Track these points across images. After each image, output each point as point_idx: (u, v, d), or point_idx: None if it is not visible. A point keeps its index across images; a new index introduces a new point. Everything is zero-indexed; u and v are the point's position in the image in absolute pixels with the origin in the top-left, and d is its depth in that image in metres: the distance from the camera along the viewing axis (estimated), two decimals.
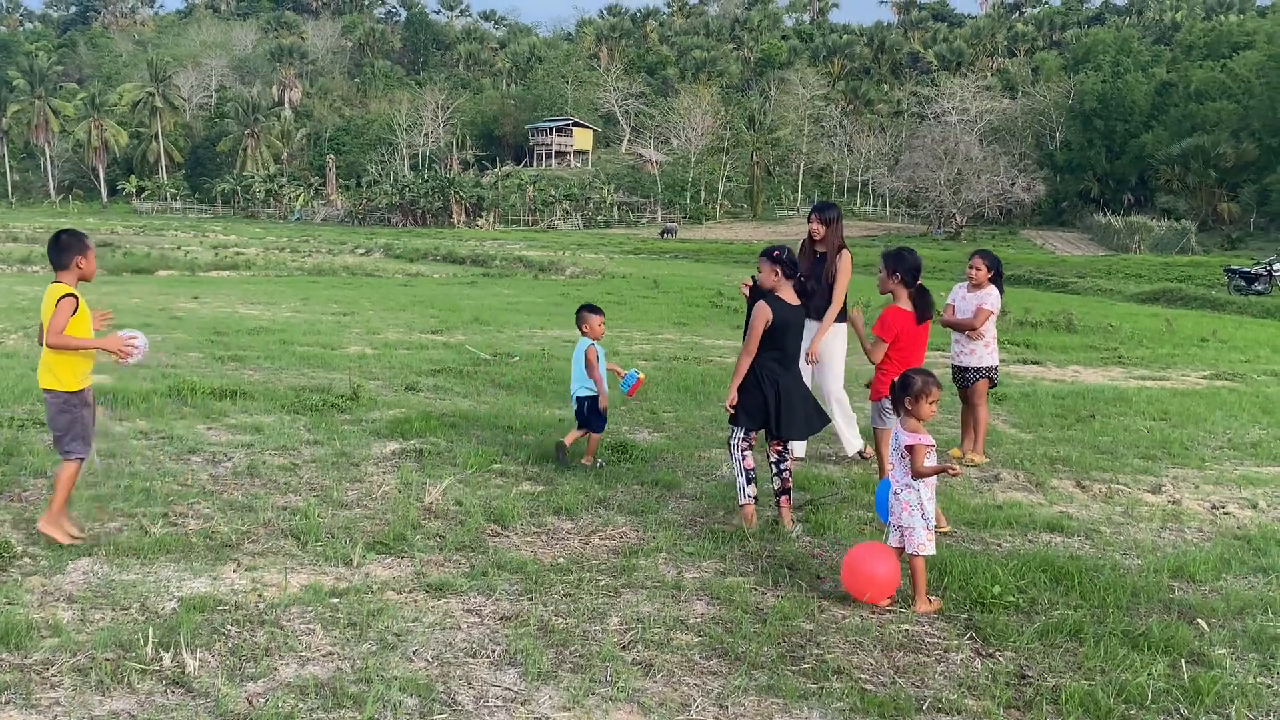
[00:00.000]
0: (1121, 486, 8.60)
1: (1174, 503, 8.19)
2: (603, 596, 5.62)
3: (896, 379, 6.00)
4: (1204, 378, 15.51)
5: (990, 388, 9.80)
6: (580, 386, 8.61)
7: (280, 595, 5.42)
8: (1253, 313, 30.24)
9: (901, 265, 7.38)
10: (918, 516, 5.66)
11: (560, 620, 5.24)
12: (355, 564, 5.93)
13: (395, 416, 9.85)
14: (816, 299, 8.94)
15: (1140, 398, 13.10)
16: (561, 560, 6.18)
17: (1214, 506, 8.14)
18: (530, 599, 5.52)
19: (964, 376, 9.57)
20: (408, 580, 5.74)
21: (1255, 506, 8.17)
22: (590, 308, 8.77)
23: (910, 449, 5.69)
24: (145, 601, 5.28)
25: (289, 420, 9.69)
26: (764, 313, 6.93)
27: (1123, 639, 5.25)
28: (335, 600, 5.39)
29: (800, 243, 9.44)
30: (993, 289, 9.54)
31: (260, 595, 5.42)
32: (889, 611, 5.60)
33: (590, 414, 8.57)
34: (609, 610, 5.41)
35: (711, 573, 6.09)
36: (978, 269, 9.50)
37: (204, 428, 9.28)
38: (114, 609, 5.18)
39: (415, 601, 5.43)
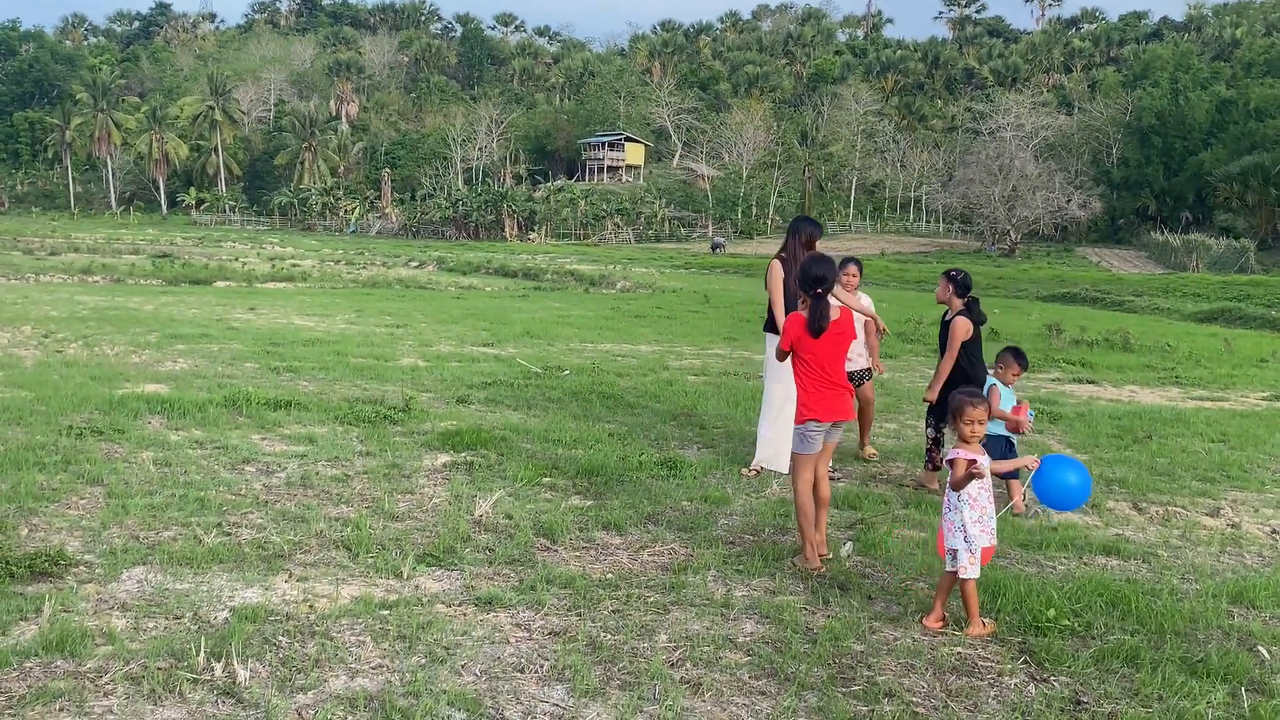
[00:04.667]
0: (1179, 509, 8.46)
1: (1233, 526, 8.04)
2: (651, 613, 5.59)
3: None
4: (1263, 399, 15.24)
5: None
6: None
7: (331, 606, 5.45)
8: None
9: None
10: (960, 538, 5.58)
11: (609, 636, 5.23)
12: (405, 576, 5.95)
13: (447, 429, 9.90)
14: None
15: (1198, 419, 12.90)
16: (610, 576, 6.16)
17: (1274, 531, 7.99)
18: (579, 614, 5.51)
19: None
20: (457, 593, 5.76)
21: None
22: (1015, 351, 8.59)
23: (951, 462, 5.63)
24: (198, 611, 5.33)
25: (342, 431, 9.76)
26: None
27: (1181, 666, 5.16)
28: (385, 612, 5.41)
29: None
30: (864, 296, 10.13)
31: (311, 606, 5.46)
32: (941, 634, 5.53)
33: (998, 457, 8.28)
34: (657, 627, 5.39)
35: (761, 591, 6.05)
36: (851, 275, 9.95)
37: (258, 438, 9.36)
38: (167, 618, 5.23)
39: (464, 615, 5.44)
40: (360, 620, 5.29)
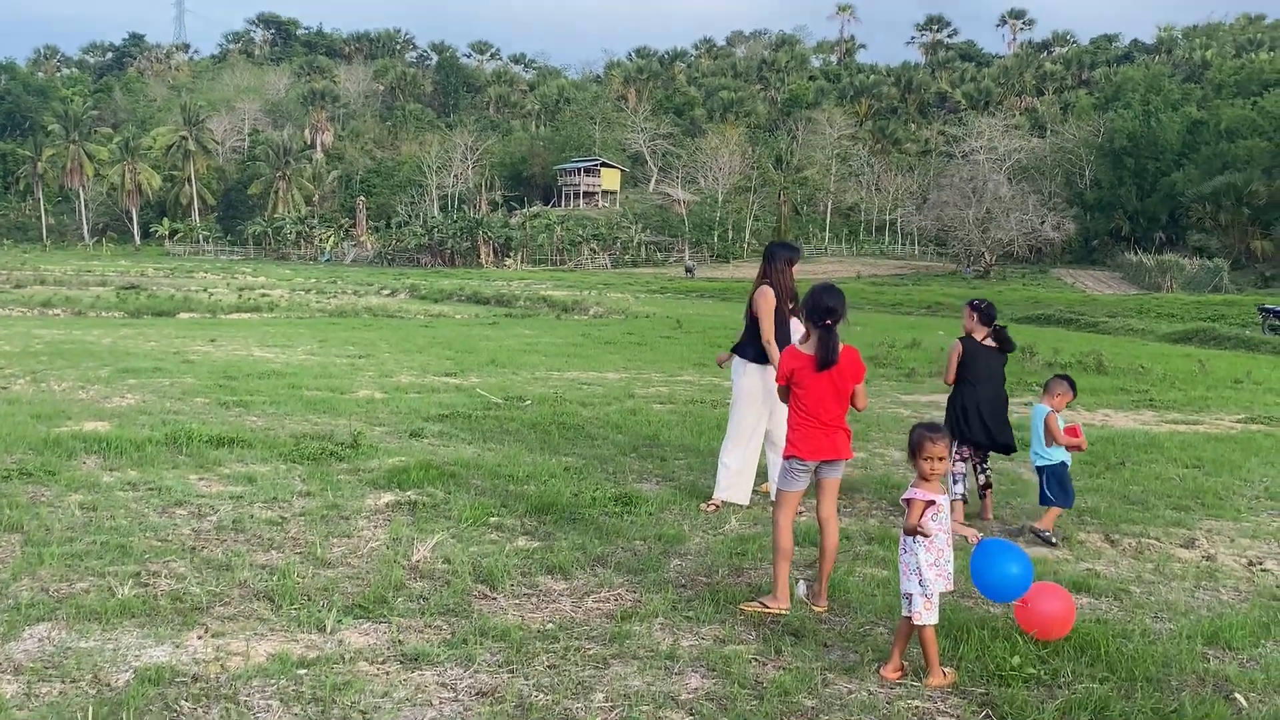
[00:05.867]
0: (1153, 540, 8.15)
1: (1208, 559, 7.74)
2: (590, 668, 5.22)
3: None
4: (1238, 421, 15.01)
5: None
6: (1038, 456, 8.35)
7: (244, 665, 5.07)
8: None
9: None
10: (914, 582, 5.24)
11: (541, 696, 4.85)
12: (329, 630, 5.56)
13: (394, 465, 9.51)
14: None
15: (1172, 443, 12.63)
16: (550, 626, 5.79)
17: (1251, 563, 7.69)
18: (511, 671, 5.14)
19: None
20: (383, 648, 5.37)
21: None
22: (1066, 378, 8.49)
23: (907, 503, 5.30)
24: (98, 672, 4.93)
25: (284, 470, 9.36)
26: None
27: (1152, 716, 4.83)
28: (302, 671, 5.03)
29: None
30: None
31: (223, 665, 5.07)
32: (899, 685, 5.18)
33: (1049, 485, 8.25)
34: (595, 684, 5.02)
35: (710, 640, 5.69)
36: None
37: (196, 478, 8.96)
38: (64, 681, 4.84)
39: (387, 673, 5.06)
40: (273, 681, 4.90)
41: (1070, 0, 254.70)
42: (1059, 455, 8.28)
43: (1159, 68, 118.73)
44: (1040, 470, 8.34)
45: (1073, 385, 8.48)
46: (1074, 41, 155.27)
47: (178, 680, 4.87)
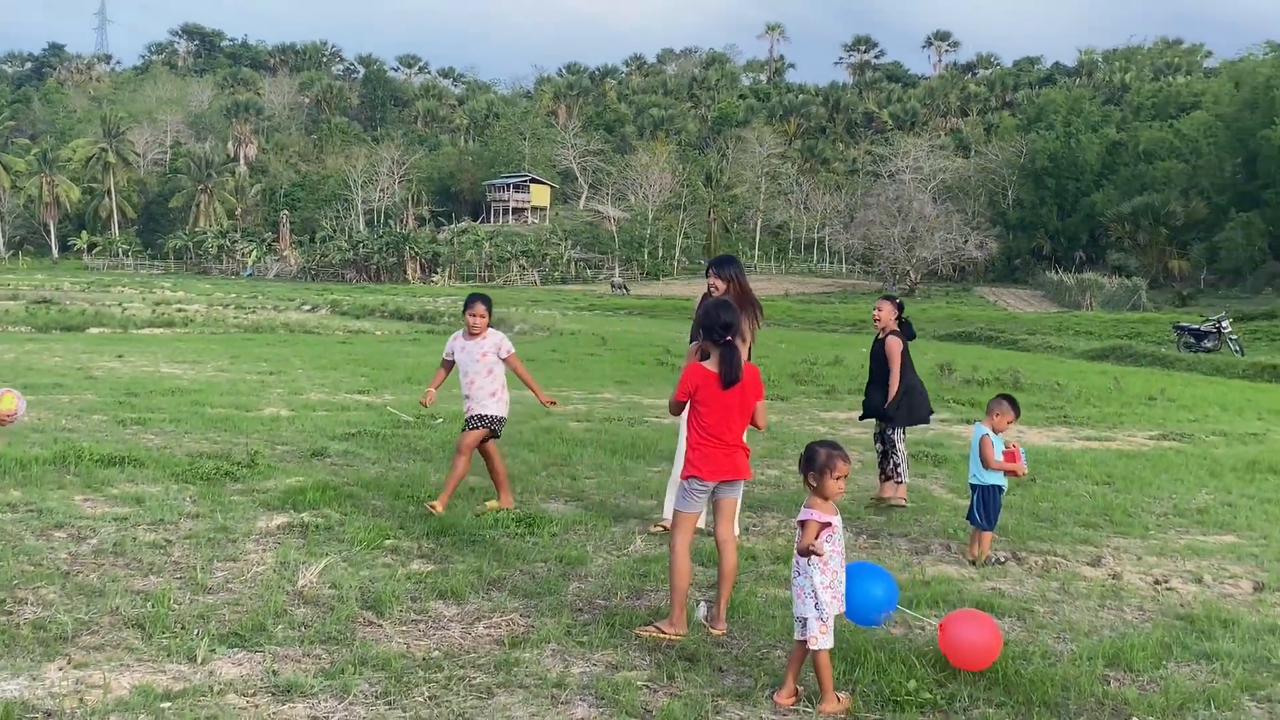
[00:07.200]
0: (1060, 559, 8.11)
1: (1114, 577, 7.70)
2: (473, 698, 5.00)
3: (804, 451, 5.44)
4: (1151, 438, 15.14)
5: (493, 437, 9.06)
6: (974, 475, 8.14)
7: (103, 699, 4.78)
8: (1202, 370, 30.12)
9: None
10: (810, 605, 5.09)
11: None
12: (200, 660, 5.28)
13: (290, 486, 9.20)
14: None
15: (1084, 460, 12.68)
16: (436, 654, 5.55)
17: (1157, 581, 7.65)
18: (388, 703, 4.90)
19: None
20: (256, 680, 5.11)
21: (1200, 581, 7.69)
22: (1008, 398, 8.25)
23: (802, 524, 5.15)
24: None
25: (175, 490, 9.00)
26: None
27: None
28: (166, 705, 4.75)
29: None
30: (495, 333, 9.01)
31: (81, 699, 4.78)
32: (793, 711, 5.03)
33: (976, 505, 8.03)
34: (476, 716, 4.80)
35: (602, 666, 5.49)
36: (479, 315, 8.87)
37: (81, 499, 8.59)
38: None
39: (256, 706, 4.80)
40: (134, 715, 4.63)
41: (994, 23, 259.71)
42: (993, 478, 8.08)
43: (1080, 90, 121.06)
44: (974, 489, 8.18)
45: (1014, 406, 8.23)
46: (998, 64, 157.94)
47: (29, 716, 4.58)
